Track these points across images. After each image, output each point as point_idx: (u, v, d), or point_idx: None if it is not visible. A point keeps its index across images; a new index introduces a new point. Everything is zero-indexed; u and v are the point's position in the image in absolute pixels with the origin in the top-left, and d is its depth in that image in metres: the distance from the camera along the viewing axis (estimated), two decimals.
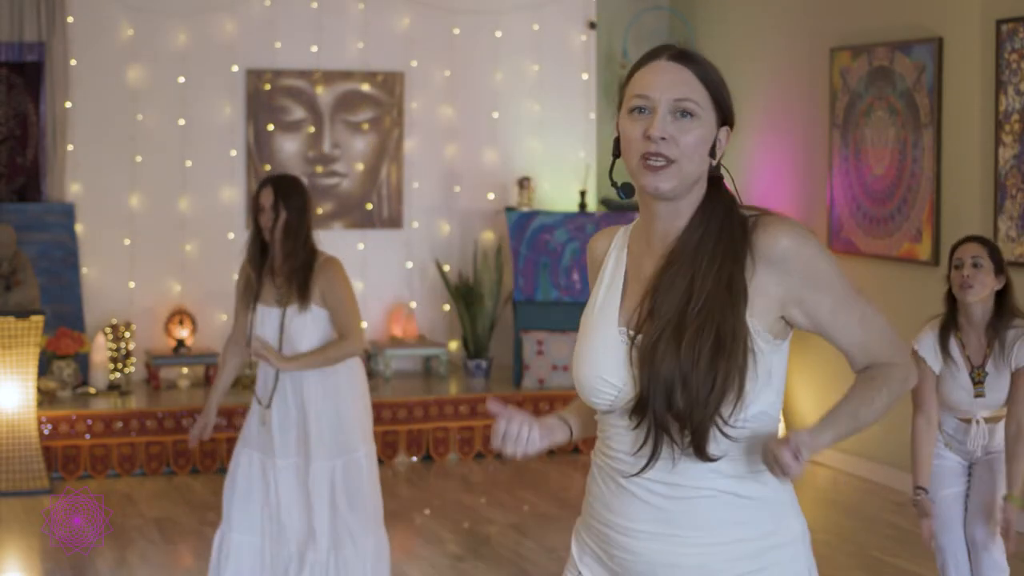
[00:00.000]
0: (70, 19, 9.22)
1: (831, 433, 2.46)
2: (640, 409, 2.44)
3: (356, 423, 5.48)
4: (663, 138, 2.42)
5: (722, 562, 2.47)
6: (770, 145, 9.29)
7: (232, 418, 8.47)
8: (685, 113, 2.43)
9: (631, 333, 2.47)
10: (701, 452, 2.42)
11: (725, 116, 2.49)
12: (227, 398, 8.82)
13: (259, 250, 5.40)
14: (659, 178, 2.42)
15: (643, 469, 2.46)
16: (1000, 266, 4.93)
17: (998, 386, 4.90)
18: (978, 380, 4.91)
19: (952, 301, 4.96)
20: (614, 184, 2.58)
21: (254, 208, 5.42)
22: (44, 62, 9.18)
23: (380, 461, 8.36)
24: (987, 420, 5.01)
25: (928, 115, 7.82)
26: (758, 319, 2.44)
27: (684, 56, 2.47)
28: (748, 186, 9.49)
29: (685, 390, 2.39)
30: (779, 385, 2.50)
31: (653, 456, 2.44)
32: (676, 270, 2.45)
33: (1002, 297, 4.93)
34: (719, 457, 2.43)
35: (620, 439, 2.51)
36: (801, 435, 2.38)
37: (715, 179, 2.52)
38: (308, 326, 5.34)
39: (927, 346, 4.95)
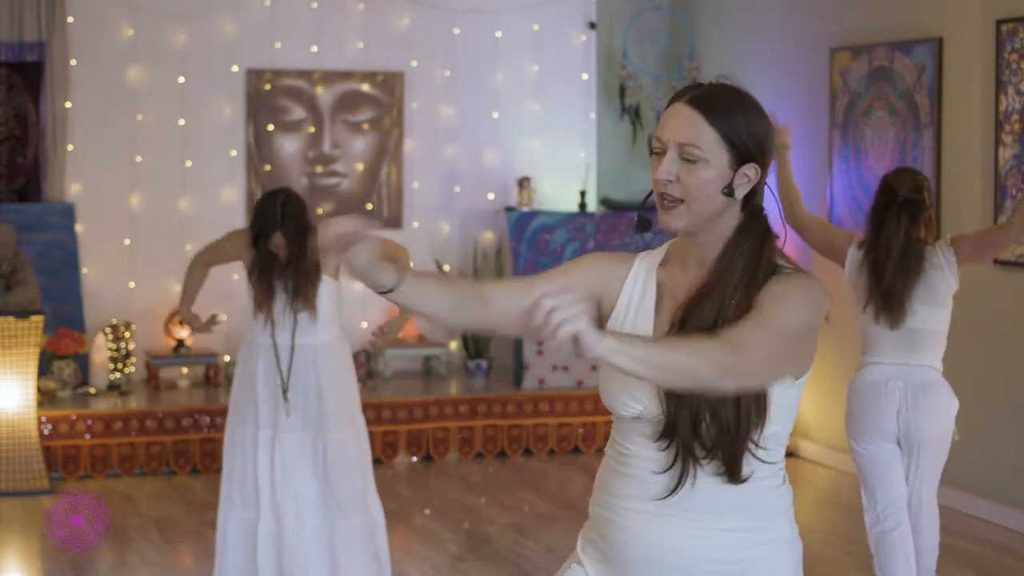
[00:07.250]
0: (70, 19, 9.22)
1: (630, 349, 2.26)
2: (667, 433, 2.53)
3: (338, 403, 5.61)
4: (669, 180, 2.55)
5: (707, 548, 2.55)
6: None
7: None
8: (689, 158, 2.54)
9: None
10: (735, 477, 2.52)
11: (746, 154, 2.55)
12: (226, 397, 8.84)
13: (265, 265, 5.55)
14: (671, 216, 2.57)
15: (671, 493, 2.54)
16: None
17: None
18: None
19: None
20: (637, 217, 2.71)
21: (261, 228, 5.49)
22: (44, 62, 9.17)
23: (378, 460, 8.39)
24: None
25: (928, 115, 7.82)
26: None
27: (701, 100, 2.57)
28: None
29: (714, 421, 2.48)
30: (792, 413, 2.57)
31: (680, 482, 2.53)
32: (706, 303, 2.54)
33: None
34: (749, 476, 2.53)
35: (641, 443, 2.58)
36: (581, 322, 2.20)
37: (753, 210, 2.60)
38: (324, 299, 5.54)
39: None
